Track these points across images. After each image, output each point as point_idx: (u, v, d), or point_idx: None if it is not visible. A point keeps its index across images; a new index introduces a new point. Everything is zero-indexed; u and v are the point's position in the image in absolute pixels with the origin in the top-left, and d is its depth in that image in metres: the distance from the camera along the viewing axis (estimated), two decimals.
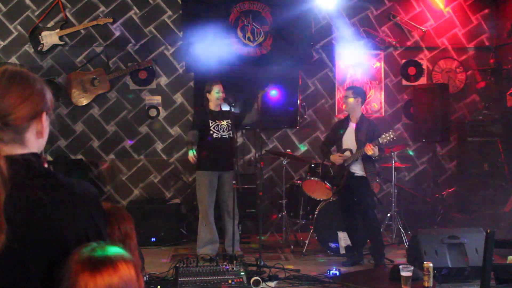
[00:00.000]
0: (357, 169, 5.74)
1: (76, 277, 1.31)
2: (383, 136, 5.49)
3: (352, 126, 5.79)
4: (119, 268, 1.35)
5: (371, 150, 5.44)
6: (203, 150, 5.97)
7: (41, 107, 1.48)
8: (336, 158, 5.82)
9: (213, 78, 6.30)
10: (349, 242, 6.07)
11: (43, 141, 1.52)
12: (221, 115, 6.08)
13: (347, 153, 5.75)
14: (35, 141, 1.48)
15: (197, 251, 6.00)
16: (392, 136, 5.47)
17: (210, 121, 5.96)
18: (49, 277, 1.35)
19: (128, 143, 7.46)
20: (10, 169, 1.32)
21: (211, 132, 5.95)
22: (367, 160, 5.65)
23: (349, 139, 5.77)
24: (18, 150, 1.43)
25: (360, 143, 5.64)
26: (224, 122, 6.03)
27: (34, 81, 1.48)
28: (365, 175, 5.70)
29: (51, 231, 1.37)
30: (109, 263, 1.34)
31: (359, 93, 5.84)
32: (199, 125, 5.99)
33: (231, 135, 6.05)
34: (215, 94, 5.99)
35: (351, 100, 5.76)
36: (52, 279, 1.35)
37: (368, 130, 5.69)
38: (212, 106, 6.06)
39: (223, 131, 6.00)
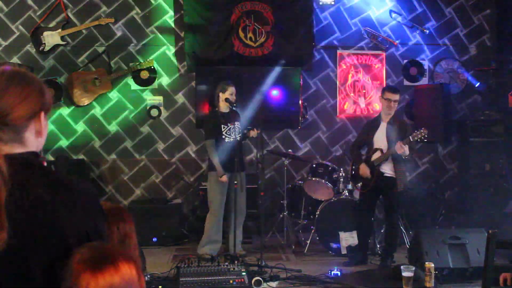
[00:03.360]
0: (387, 169, 5.66)
1: (77, 277, 1.31)
2: (414, 133, 5.40)
3: (383, 125, 5.73)
4: (120, 268, 1.35)
5: (401, 148, 5.36)
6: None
7: (40, 106, 1.49)
8: (364, 170, 5.74)
9: (227, 80, 6.28)
10: (350, 242, 6.07)
11: (42, 140, 1.53)
12: (232, 117, 6.09)
13: (378, 153, 5.68)
14: (34, 140, 1.50)
15: (198, 250, 6.02)
16: (424, 134, 5.36)
17: (222, 125, 5.99)
18: (50, 275, 1.36)
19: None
20: (10, 168, 1.33)
21: (223, 136, 5.97)
22: (397, 160, 5.57)
23: (380, 139, 5.70)
24: (17, 149, 1.45)
25: (391, 143, 5.56)
26: (236, 124, 6.08)
27: (32, 81, 1.49)
28: (394, 176, 5.62)
29: (52, 229, 1.38)
30: (111, 263, 1.34)
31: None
32: (215, 132, 5.98)
33: (242, 137, 6.11)
34: (229, 96, 6.01)
35: (397, 104, 5.73)
36: (53, 277, 1.35)
37: (400, 129, 5.61)
38: (223, 107, 6.06)
39: (235, 134, 6.04)
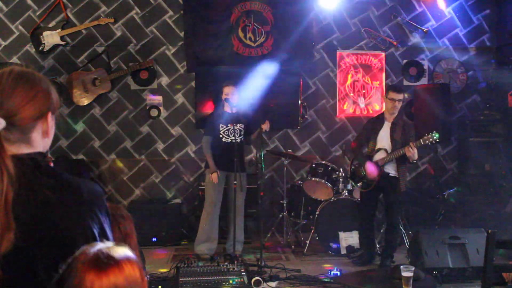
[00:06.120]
0: (391, 169, 5.64)
1: (82, 277, 1.31)
2: (425, 137, 5.29)
3: (387, 125, 5.69)
4: (124, 269, 1.35)
5: (410, 151, 5.29)
6: (212, 151, 5.98)
7: (47, 107, 1.49)
8: (371, 171, 5.68)
9: (228, 80, 6.25)
10: (350, 242, 6.07)
11: (48, 141, 1.53)
12: (236, 118, 6.01)
13: (381, 153, 5.65)
14: (40, 141, 1.49)
15: (194, 248, 6.02)
16: (435, 137, 5.23)
17: (221, 125, 5.97)
18: (57, 275, 1.36)
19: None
20: (17, 169, 1.33)
21: (220, 136, 5.96)
22: (401, 160, 5.54)
23: (384, 139, 5.66)
24: (24, 150, 1.44)
25: (396, 143, 5.53)
26: (237, 126, 6.01)
27: (39, 81, 1.49)
28: (397, 176, 5.61)
29: (58, 230, 1.38)
30: (115, 263, 1.34)
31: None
32: (212, 130, 5.99)
33: (243, 139, 6.08)
34: (225, 96, 6.00)
35: (401, 103, 5.69)
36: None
37: (404, 129, 5.58)
38: (228, 108, 6.06)
39: (234, 135, 5.96)
